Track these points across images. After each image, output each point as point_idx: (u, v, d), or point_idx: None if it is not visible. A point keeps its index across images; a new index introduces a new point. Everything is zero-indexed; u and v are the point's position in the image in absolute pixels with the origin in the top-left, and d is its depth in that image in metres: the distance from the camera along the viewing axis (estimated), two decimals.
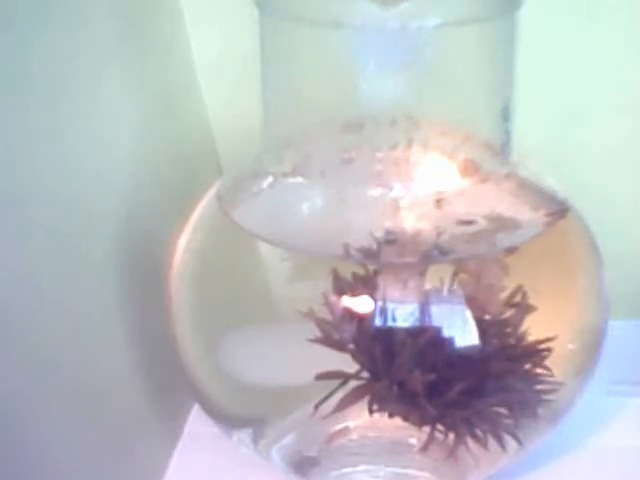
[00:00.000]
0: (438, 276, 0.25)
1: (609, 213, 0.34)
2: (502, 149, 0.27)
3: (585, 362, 0.28)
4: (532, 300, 0.25)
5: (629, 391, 0.36)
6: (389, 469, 0.29)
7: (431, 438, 0.26)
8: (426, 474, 0.29)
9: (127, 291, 0.30)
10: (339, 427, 0.27)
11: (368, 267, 0.25)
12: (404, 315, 0.24)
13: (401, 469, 0.29)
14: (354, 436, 0.28)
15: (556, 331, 0.26)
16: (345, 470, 0.29)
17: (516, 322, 0.25)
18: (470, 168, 0.27)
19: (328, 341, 0.25)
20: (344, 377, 0.26)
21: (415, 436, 0.28)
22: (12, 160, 0.23)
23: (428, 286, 0.25)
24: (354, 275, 0.25)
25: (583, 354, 0.28)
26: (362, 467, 0.29)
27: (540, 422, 0.28)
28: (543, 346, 0.26)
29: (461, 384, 0.25)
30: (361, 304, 0.25)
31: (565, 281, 0.27)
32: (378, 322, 0.25)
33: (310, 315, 0.25)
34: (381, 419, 0.26)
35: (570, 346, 0.27)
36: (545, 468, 0.32)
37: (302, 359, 0.26)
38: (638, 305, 0.39)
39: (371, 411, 0.26)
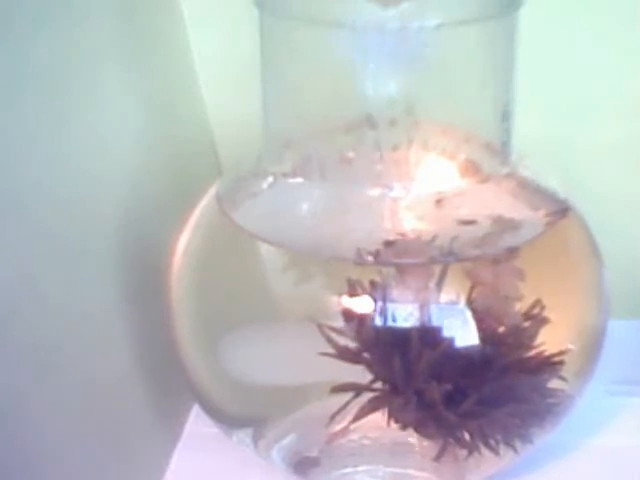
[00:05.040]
0: (454, 288, 0.25)
1: (609, 213, 0.34)
2: (502, 149, 0.27)
3: (585, 362, 0.28)
4: (532, 299, 0.25)
5: (629, 391, 0.36)
6: (389, 469, 0.29)
7: (444, 448, 0.26)
8: (426, 474, 0.29)
9: (127, 291, 0.30)
10: (339, 427, 0.27)
11: (381, 272, 0.25)
12: (420, 322, 0.24)
13: (401, 469, 0.29)
14: (354, 436, 0.28)
15: (556, 330, 0.26)
16: (345, 470, 0.29)
17: (531, 334, 0.25)
18: (470, 168, 0.27)
19: (342, 355, 0.25)
20: (359, 389, 0.26)
21: (415, 436, 0.28)
22: (12, 160, 0.23)
23: (444, 296, 0.25)
24: (371, 282, 0.25)
25: (583, 354, 0.28)
26: (362, 467, 0.29)
27: (545, 426, 0.28)
28: (557, 359, 0.26)
29: (477, 394, 0.25)
30: (379, 313, 0.25)
31: (565, 281, 0.27)
32: (396, 331, 0.25)
33: (321, 328, 0.25)
34: (381, 419, 0.26)
35: (570, 346, 0.27)
36: (545, 468, 0.32)
37: (302, 359, 0.26)
38: (638, 305, 0.39)
39: (389, 423, 0.26)
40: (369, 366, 0.25)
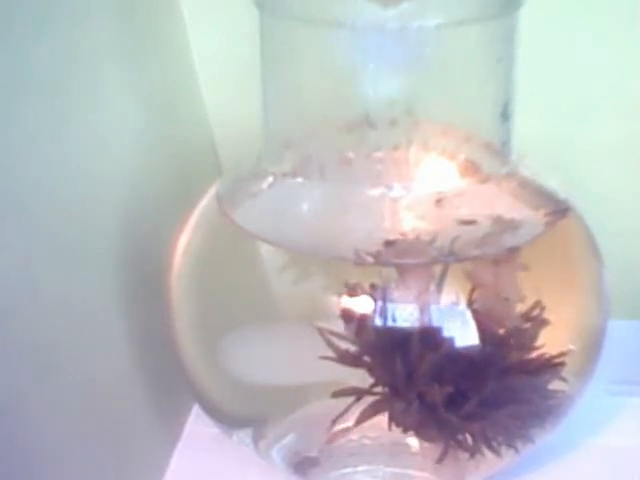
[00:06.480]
0: (454, 289, 0.25)
1: (609, 213, 0.34)
2: (502, 149, 0.27)
3: (585, 362, 0.28)
4: (532, 299, 0.25)
5: (629, 391, 0.36)
6: (389, 469, 0.29)
7: (446, 451, 0.26)
8: (426, 474, 0.29)
9: (127, 291, 0.30)
10: (339, 427, 0.27)
11: (381, 272, 0.25)
12: (420, 323, 0.24)
13: (401, 469, 0.29)
14: (354, 436, 0.28)
15: (556, 331, 0.26)
16: (345, 470, 0.29)
17: (532, 335, 0.25)
18: (470, 168, 0.27)
19: (343, 358, 0.25)
20: (360, 393, 0.26)
21: (415, 437, 0.28)
22: (12, 160, 0.23)
23: (445, 297, 0.25)
24: (371, 285, 0.25)
25: (583, 354, 0.28)
26: (362, 467, 0.29)
27: (545, 426, 0.28)
28: (558, 360, 0.26)
29: (478, 396, 0.25)
30: (379, 313, 0.25)
31: (565, 281, 0.27)
32: (396, 332, 0.24)
33: (321, 332, 0.25)
34: (381, 419, 0.26)
35: (570, 346, 0.27)
36: (545, 468, 0.32)
37: (302, 359, 0.26)
38: (638, 305, 0.39)
39: (390, 427, 0.26)
40: (370, 370, 0.25)
